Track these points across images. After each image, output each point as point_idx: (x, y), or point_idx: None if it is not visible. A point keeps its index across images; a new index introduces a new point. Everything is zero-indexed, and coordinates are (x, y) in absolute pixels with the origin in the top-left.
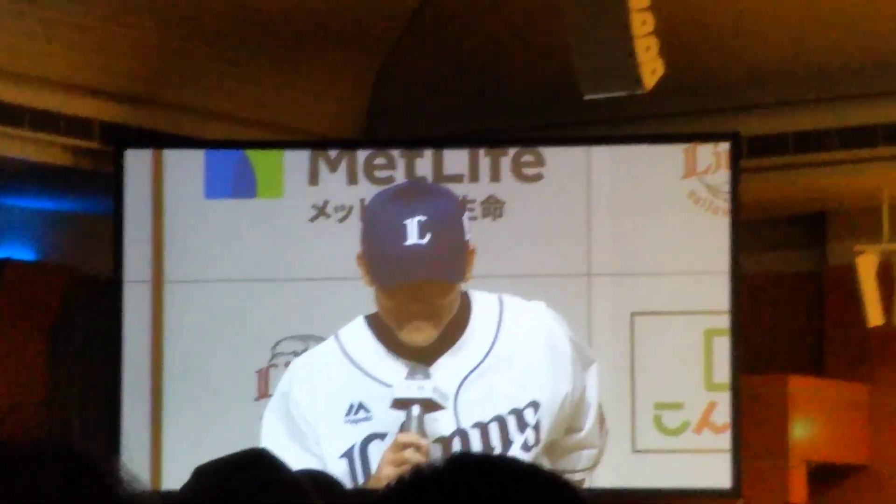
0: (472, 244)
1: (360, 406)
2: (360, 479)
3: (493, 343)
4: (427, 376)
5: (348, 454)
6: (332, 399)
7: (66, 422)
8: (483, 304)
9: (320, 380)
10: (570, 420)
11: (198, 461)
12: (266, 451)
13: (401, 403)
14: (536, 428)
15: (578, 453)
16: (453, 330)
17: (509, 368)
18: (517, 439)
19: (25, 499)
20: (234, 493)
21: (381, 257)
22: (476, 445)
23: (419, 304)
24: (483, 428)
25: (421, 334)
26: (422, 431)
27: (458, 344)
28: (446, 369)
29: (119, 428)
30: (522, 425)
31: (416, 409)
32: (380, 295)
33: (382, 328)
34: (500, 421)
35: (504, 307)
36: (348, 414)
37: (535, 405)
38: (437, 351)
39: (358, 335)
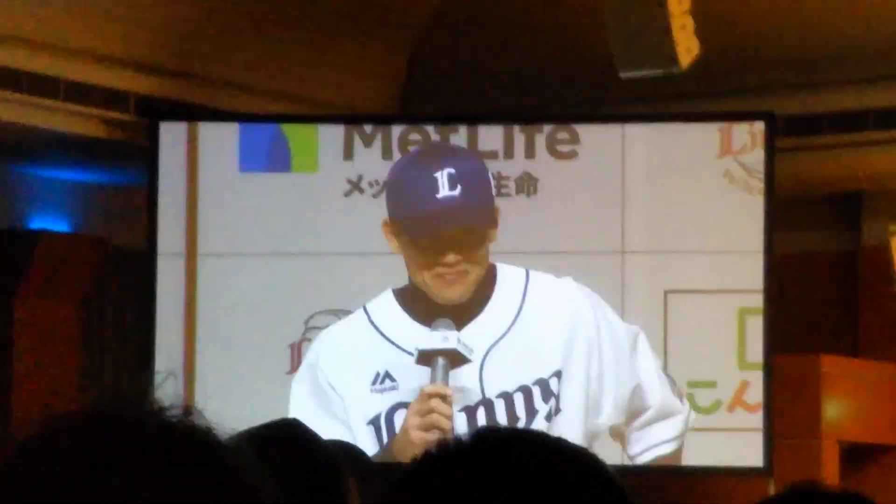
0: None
1: (387, 375)
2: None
3: (518, 314)
4: (451, 328)
5: (374, 422)
6: (359, 368)
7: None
8: (508, 275)
9: (347, 349)
10: (628, 403)
11: (230, 433)
12: (299, 422)
13: (425, 356)
14: (558, 397)
15: (659, 424)
16: (479, 298)
17: (534, 339)
18: (542, 409)
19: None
20: (269, 464)
21: (415, 212)
22: (501, 415)
23: (456, 254)
24: (508, 398)
25: (455, 291)
26: (447, 383)
27: (483, 313)
28: (471, 338)
29: (152, 397)
30: (547, 395)
31: (441, 361)
32: (413, 254)
33: (410, 299)
34: (526, 391)
35: (530, 280)
36: (374, 383)
37: (558, 374)
38: (462, 319)
39: (386, 307)
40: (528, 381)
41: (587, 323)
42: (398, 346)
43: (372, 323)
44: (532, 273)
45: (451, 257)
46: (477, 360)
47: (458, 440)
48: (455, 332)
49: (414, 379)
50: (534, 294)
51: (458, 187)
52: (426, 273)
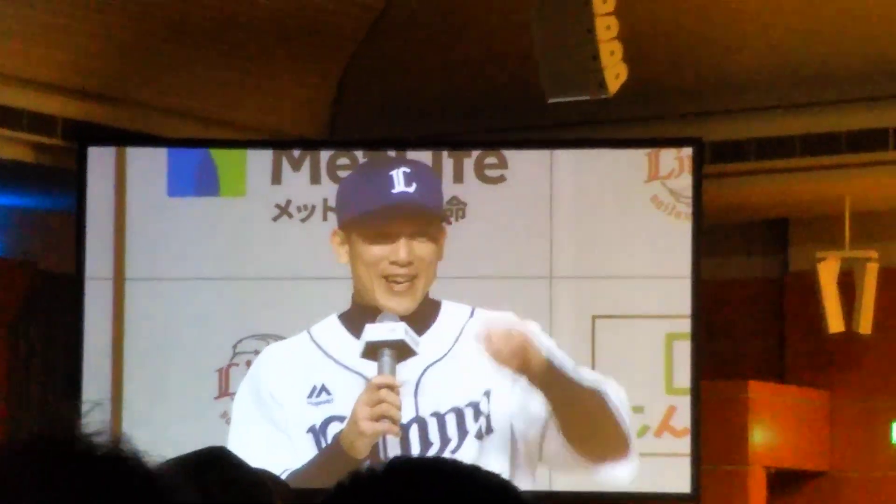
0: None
1: (323, 388)
2: None
3: (456, 341)
4: (395, 319)
5: (312, 430)
6: (298, 380)
7: (26, 418)
8: (452, 309)
9: (287, 362)
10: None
11: (159, 459)
12: (226, 450)
13: (372, 348)
14: (488, 416)
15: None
16: (420, 325)
17: (468, 365)
18: (472, 428)
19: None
20: (199, 489)
21: (370, 209)
22: (433, 433)
23: (407, 252)
24: (440, 418)
25: (403, 302)
26: (394, 374)
27: (422, 338)
28: (409, 361)
29: (78, 423)
30: (477, 415)
31: (387, 353)
32: (363, 257)
33: (355, 320)
34: (458, 412)
35: (473, 314)
36: (310, 396)
37: (487, 394)
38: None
39: (329, 329)
40: (460, 404)
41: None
42: (336, 361)
43: (314, 341)
44: (476, 310)
45: (403, 252)
46: (413, 380)
47: (371, 470)
48: (402, 324)
49: (349, 394)
50: (473, 325)
51: (414, 185)
52: (374, 275)
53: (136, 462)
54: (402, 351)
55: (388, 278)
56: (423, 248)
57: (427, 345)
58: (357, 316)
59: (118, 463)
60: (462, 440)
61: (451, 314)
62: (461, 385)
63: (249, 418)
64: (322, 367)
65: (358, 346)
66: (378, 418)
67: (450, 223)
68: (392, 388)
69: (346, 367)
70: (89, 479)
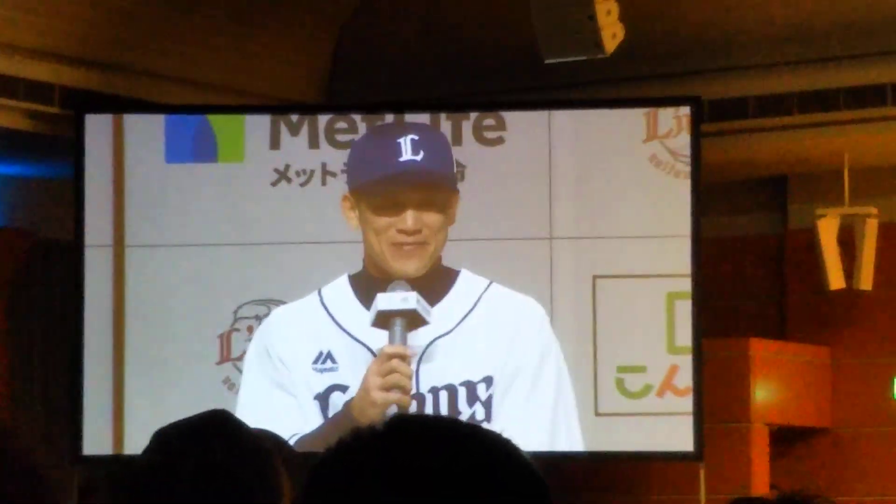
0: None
1: (329, 356)
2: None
3: (466, 316)
4: (408, 289)
5: (318, 397)
6: (305, 344)
7: (27, 387)
8: (468, 281)
9: (295, 326)
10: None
11: (160, 425)
12: (228, 413)
13: (384, 317)
14: (487, 404)
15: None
16: (434, 294)
17: (472, 343)
18: (465, 412)
19: None
20: (198, 456)
21: (377, 176)
22: (429, 411)
23: (415, 219)
24: (435, 393)
25: (412, 263)
26: (405, 343)
27: (435, 308)
28: (416, 332)
29: (80, 391)
30: (472, 399)
31: (399, 322)
32: (371, 223)
33: (364, 285)
34: (451, 390)
35: (488, 290)
36: (315, 362)
37: (488, 381)
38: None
39: (339, 291)
40: (455, 381)
41: (533, 340)
42: (344, 330)
43: (323, 305)
44: (493, 285)
45: (410, 221)
46: (416, 354)
47: (371, 428)
48: (413, 293)
49: (354, 364)
50: (487, 302)
51: (421, 152)
52: (384, 242)
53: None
54: (413, 320)
55: (396, 245)
56: (431, 216)
57: (438, 315)
58: (367, 283)
59: None
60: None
61: (467, 285)
62: (462, 363)
63: (258, 382)
64: (329, 334)
65: (369, 315)
66: (390, 388)
67: (454, 206)
68: (404, 357)
69: (353, 337)
70: None
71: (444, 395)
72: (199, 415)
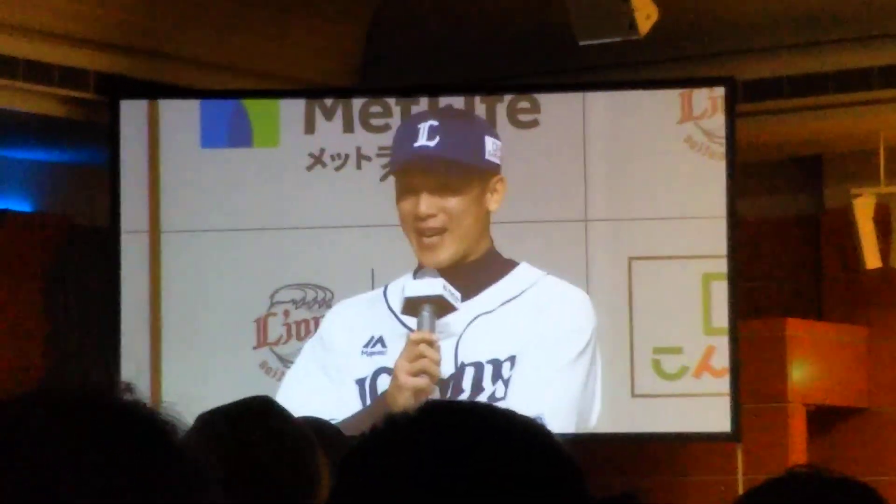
0: (501, 174)
1: (380, 340)
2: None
3: (511, 299)
4: (436, 275)
5: (361, 382)
6: (357, 330)
7: (64, 373)
8: (524, 271)
9: (353, 312)
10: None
11: (198, 410)
12: (270, 400)
13: (412, 304)
14: (507, 383)
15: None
16: (485, 281)
17: (512, 324)
18: (488, 388)
19: (85, 450)
20: (241, 442)
21: (395, 163)
22: (466, 382)
23: (428, 206)
24: (462, 369)
25: (434, 256)
26: (434, 330)
27: (479, 295)
28: (463, 309)
29: (118, 377)
30: (496, 377)
31: (427, 308)
32: (399, 210)
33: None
34: (478, 367)
35: (540, 280)
36: (366, 345)
37: (512, 360)
38: (463, 295)
39: (400, 281)
40: (483, 359)
41: (573, 326)
42: (397, 317)
43: (384, 294)
44: (547, 277)
45: (423, 207)
46: (457, 332)
47: (405, 414)
48: (440, 280)
49: (400, 347)
50: (536, 289)
51: (437, 138)
52: (410, 231)
53: (153, 418)
54: (441, 306)
55: (418, 235)
56: (450, 200)
57: (486, 297)
58: (419, 271)
59: (133, 414)
60: (474, 396)
61: (521, 274)
62: (494, 340)
63: (305, 364)
64: (383, 320)
65: (399, 302)
66: (417, 373)
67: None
68: (431, 343)
69: (402, 322)
70: (99, 431)
71: (469, 371)
72: (240, 401)
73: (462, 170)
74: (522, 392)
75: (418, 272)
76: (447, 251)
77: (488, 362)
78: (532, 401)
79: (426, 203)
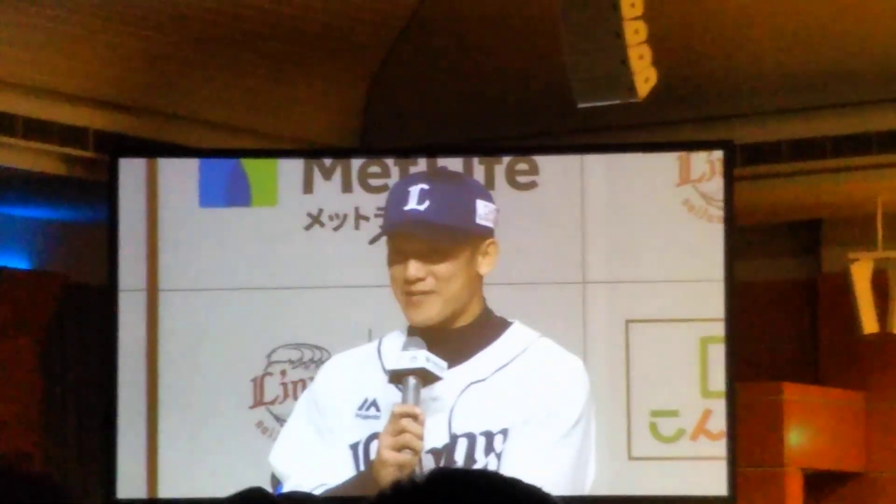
0: (494, 238)
1: (373, 403)
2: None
3: (504, 366)
4: (420, 346)
5: (354, 447)
6: (351, 391)
7: (61, 431)
8: (517, 333)
9: (347, 372)
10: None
11: (194, 469)
12: (264, 492)
13: (396, 376)
14: (499, 456)
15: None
16: (478, 343)
17: (504, 394)
18: (480, 461)
19: None
20: None
21: (386, 226)
22: (452, 456)
23: (417, 270)
24: (454, 441)
25: (420, 312)
26: (417, 403)
27: (472, 359)
28: (454, 378)
29: (115, 436)
30: (489, 450)
31: (412, 381)
32: (389, 272)
33: (411, 335)
34: (471, 439)
35: (535, 344)
36: (360, 408)
37: (504, 433)
38: (455, 359)
39: (393, 339)
40: (476, 431)
41: (566, 397)
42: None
43: (378, 352)
44: (543, 340)
45: (412, 272)
46: (450, 402)
47: (412, 480)
48: (424, 351)
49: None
50: (529, 355)
51: (427, 202)
52: (398, 292)
53: None
54: (426, 377)
55: (406, 295)
56: (437, 265)
57: (478, 362)
58: (412, 332)
59: None
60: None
61: (515, 337)
62: (486, 412)
63: (298, 426)
64: (376, 382)
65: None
66: (400, 448)
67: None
68: (415, 417)
69: (395, 386)
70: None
71: (462, 443)
72: (236, 495)
73: (452, 234)
74: (514, 466)
75: (406, 343)
76: (434, 308)
77: (481, 434)
78: (524, 476)
79: (414, 267)
